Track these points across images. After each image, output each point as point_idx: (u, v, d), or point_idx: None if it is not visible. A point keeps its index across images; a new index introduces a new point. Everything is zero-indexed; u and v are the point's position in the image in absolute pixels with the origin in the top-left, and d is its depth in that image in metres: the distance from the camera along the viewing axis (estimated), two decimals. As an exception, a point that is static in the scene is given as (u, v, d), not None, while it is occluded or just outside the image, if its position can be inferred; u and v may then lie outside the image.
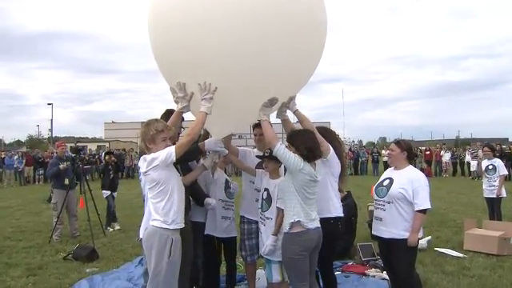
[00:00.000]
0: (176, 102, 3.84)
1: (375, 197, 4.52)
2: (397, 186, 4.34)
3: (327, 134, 4.42)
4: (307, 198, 3.83)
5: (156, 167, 3.46)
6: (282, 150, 3.79)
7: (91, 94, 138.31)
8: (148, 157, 3.51)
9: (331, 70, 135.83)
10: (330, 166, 4.27)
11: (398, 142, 4.70)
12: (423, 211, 4.24)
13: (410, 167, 4.56)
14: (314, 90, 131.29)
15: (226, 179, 5.07)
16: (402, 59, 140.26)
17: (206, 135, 4.60)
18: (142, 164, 3.57)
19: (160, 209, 3.51)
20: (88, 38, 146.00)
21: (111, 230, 9.93)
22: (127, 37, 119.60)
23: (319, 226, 3.89)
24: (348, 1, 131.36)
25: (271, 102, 3.88)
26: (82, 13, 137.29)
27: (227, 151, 4.54)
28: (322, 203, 4.09)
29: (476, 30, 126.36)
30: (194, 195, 4.76)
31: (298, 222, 3.77)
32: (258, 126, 4.74)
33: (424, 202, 4.23)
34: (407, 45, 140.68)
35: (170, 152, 3.43)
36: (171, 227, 3.50)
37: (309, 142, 3.90)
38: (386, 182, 4.47)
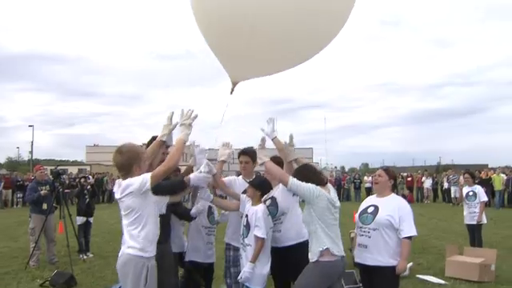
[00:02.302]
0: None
1: (360, 224, 4.49)
2: (383, 213, 4.34)
3: (255, 154, 4.59)
4: (331, 225, 3.89)
5: (130, 194, 3.37)
6: (295, 183, 3.87)
7: (72, 116, 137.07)
8: (123, 182, 3.43)
9: (313, 97, 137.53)
10: None
11: (386, 169, 4.71)
12: (409, 238, 4.25)
13: (394, 195, 4.59)
14: (295, 116, 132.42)
15: (210, 205, 5.04)
16: (383, 86, 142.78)
17: (190, 169, 4.61)
18: (117, 190, 3.48)
19: (135, 236, 3.41)
20: (70, 61, 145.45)
21: (85, 257, 9.55)
22: (109, 60, 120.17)
23: (345, 255, 3.95)
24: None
25: (263, 143, 3.99)
26: (65, 35, 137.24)
27: (212, 197, 4.61)
28: (296, 227, 4.16)
29: (454, 59, 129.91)
30: (179, 213, 4.77)
31: (327, 249, 3.81)
32: (243, 153, 4.80)
33: (411, 229, 4.25)
34: (387, 72, 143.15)
35: (144, 180, 3.33)
36: (146, 255, 3.41)
37: (312, 172, 4.08)
38: (371, 209, 4.46)
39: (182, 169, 4.80)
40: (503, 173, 23.80)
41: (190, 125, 3.59)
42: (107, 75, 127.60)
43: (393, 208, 4.33)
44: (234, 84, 4.11)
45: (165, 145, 4.09)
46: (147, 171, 3.48)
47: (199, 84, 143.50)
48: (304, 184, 3.88)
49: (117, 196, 3.49)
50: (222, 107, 4.14)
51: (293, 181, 3.87)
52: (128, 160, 3.46)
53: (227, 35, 3.82)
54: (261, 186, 4.44)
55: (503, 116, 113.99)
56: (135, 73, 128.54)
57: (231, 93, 4.16)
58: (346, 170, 75.58)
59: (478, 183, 9.84)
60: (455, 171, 27.22)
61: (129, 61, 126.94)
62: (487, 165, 49.21)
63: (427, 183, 27.21)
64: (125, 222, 3.50)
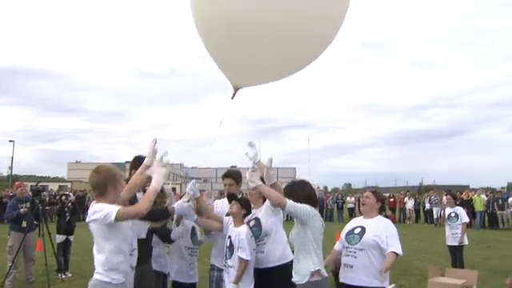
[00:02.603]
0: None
1: (346, 244, 4.49)
2: (370, 234, 4.35)
3: (240, 176, 4.66)
4: (320, 246, 3.95)
5: (95, 221, 3.29)
6: (291, 205, 3.87)
7: (55, 132, 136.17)
8: (95, 206, 3.34)
9: (297, 117, 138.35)
10: (279, 213, 4.51)
11: (374, 192, 4.73)
12: (396, 254, 4.25)
13: (381, 217, 4.61)
14: (279, 136, 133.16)
15: (193, 226, 5.02)
16: (366, 107, 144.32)
17: (166, 195, 4.65)
18: (90, 211, 3.37)
19: (101, 262, 3.33)
20: (54, 76, 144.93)
21: (63, 276, 9.34)
22: (93, 76, 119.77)
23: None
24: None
25: (254, 168, 4.04)
26: (49, 51, 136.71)
27: (196, 216, 4.56)
28: (280, 248, 4.18)
29: (437, 81, 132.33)
30: (160, 234, 4.72)
31: (318, 270, 3.84)
32: (227, 176, 4.80)
33: (398, 247, 4.27)
34: (371, 93, 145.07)
35: (110, 213, 3.22)
36: (113, 282, 3.31)
37: (307, 190, 4.09)
38: (358, 230, 4.47)
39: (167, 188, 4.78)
40: (484, 194, 24.10)
41: (163, 172, 3.63)
42: (91, 92, 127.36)
43: (380, 229, 4.35)
44: (236, 89, 4.11)
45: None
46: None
47: (183, 102, 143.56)
48: (300, 205, 3.90)
49: (87, 219, 3.38)
50: (218, 118, 4.10)
51: (289, 203, 3.87)
52: (104, 180, 3.41)
53: (227, 41, 3.83)
54: (246, 205, 4.46)
55: (484, 138, 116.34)
56: (119, 90, 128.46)
57: (232, 98, 4.16)
58: (329, 190, 75.87)
59: (459, 204, 9.94)
60: (437, 192, 27.44)
61: (113, 78, 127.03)
62: (468, 186, 49.78)
63: (409, 204, 27.37)
64: (94, 247, 3.42)
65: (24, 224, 8.63)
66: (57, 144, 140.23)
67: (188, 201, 4.41)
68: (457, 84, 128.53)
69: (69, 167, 67.90)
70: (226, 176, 4.85)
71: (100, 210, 3.26)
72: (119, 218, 3.22)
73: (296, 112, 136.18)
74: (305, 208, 3.88)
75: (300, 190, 4.11)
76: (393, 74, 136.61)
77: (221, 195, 5.58)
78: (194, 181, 4.50)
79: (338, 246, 4.68)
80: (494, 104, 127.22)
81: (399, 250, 4.27)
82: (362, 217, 4.68)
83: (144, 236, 4.18)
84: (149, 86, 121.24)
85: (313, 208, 3.96)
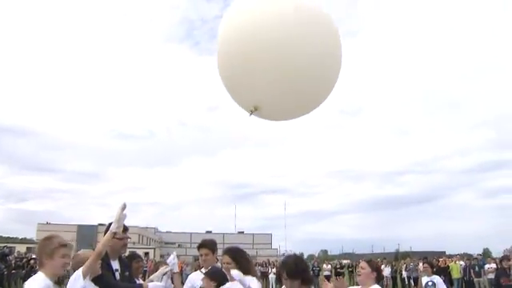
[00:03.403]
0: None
1: None
2: None
3: (238, 254, 4.43)
4: None
5: None
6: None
7: (26, 191, 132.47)
8: (73, 276, 3.34)
9: (273, 182, 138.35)
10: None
11: (369, 261, 4.66)
12: None
13: (377, 286, 4.49)
14: (255, 201, 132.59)
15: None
16: (342, 173, 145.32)
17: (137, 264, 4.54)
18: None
19: None
20: (28, 134, 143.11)
21: None
22: (69, 136, 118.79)
23: None
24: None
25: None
26: (23, 108, 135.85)
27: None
28: None
29: (412, 147, 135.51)
30: None
31: None
32: (202, 246, 4.67)
33: None
34: (347, 159, 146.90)
35: (77, 275, 3.26)
36: None
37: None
38: None
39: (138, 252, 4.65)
40: (462, 260, 24.08)
41: (119, 226, 3.62)
42: (67, 151, 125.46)
43: None
44: (256, 108, 3.83)
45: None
46: None
47: (160, 165, 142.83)
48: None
49: None
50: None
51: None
52: (39, 250, 3.29)
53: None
54: (215, 277, 4.27)
55: (459, 204, 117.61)
56: (95, 150, 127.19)
57: (250, 115, 3.89)
58: (305, 256, 74.82)
59: (436, 272, 9.86)
60: (414, 259, 27.30)
61: (90, 138, 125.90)
62: (445, 252, 49.82)
63: (386, 271, 27.03)
64: None
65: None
66: (28, 204, 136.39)
67: (165, 273, 4.28)
68: (431, 150, 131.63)
69: (38, 228, 65.66)
70: (201, 246, 4.71)
71: (69, 282, 3.29)
72: (85, 271, 3.27)
73: (272, 177, 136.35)
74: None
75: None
76: (368, 141, 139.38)
77: (195, 260, 5.36)
78: (175, 253, 4.40)
79: None
80: (468, 170, 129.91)
81: None
82: (359, 287, 4.57)
83: None
84: (125, 148, 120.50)
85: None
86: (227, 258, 4.38)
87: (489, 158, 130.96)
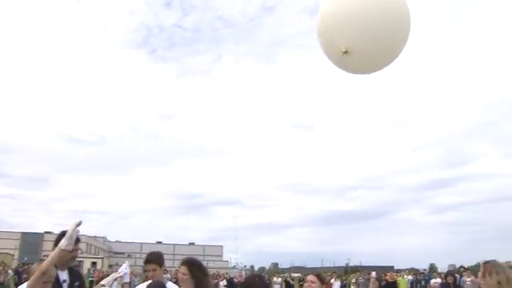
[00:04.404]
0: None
1: None
2: None
3: (195, 267, 4.37)
4: None
5: None
6: None
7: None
8: None
9: (225, 193, 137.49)
10: None
11: (318, 275, 4.66)
12: None
13: None
14: (207, 212, 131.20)
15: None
16: (294, 186, 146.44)
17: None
18: None
19: None
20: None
21: None
22: (19, 139, 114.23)
23: None
24: (245, 126, 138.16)
25: None
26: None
27: None
28: None
29: (365, 163, 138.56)
30: None
31: None
32: (148, 262, 4.57)
33: None
34: (299, 173, 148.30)
35: None
36: None
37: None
38: None
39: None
40: (409, 275, 24.69)
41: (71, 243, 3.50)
42: (12, 155, 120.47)
43: None
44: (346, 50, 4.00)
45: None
46: None
47: (111, 172, 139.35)
48: None
49: None
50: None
51: None
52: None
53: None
54: None
55: (407, 220, 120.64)
56: (43, 154, 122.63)
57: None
58: (256, 269, 74.82)
59: (384, 286, 10.03)
60: (363, 274, 27.77)
61: (38, 141, 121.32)
62: (393, 266, 50.91)
63: (336, 285, 27.31)
64: None
65: None
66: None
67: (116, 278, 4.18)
68: (383, 166, 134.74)
69: (-21, 235, 62.89)
70: (148, 262, 4.61)
71: None
72: (31, 285, 3.22)
73: (225, 189, 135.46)
74: None
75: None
76: (322, 155, 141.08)
77: (144, 271, 5.28)
78: (127, 263, 4.28)
79: None
80: (417, 187, 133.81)
81: None
82: None
83: None
84: (75, 153, 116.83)
85: None
86: (184, 269, 4.33)
87: (437, 176, 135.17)
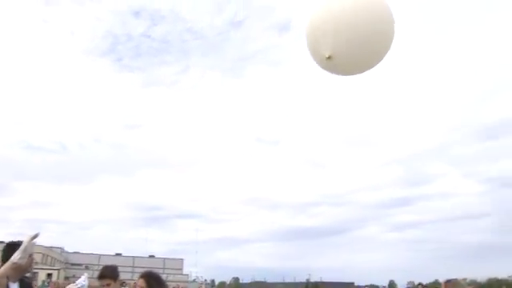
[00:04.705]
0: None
1: None
2: None
3: (153, 280, 4.31)
4: None
5: None
6: None
7: None
8: None
9: (187, 206, 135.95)
10: None
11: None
12: None
13: None
14: (167, 225, 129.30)
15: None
16: (256, 201, 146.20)
17: None
18: None
19: None
20: None
21: None
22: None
23: None
24: (209, 139, 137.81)
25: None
26: None
27: None
28: None
29: (327, 180, 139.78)
30: None
31: None
32: (102, 277, 4.50)
33: None
34: (261, 188, 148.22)
35: None
36: None
37: None
38: None
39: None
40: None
41: (24, 257, 3.35)
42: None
43: None
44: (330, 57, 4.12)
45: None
46: None
47: (70, 181, 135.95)
48: None
49: None
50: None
51: None
52: None
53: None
54: None
55: (368, 236, 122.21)
56: (0, 161, 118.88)
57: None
58: (216, 283, 74.18)
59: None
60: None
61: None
62: (353, 283, 51.38)
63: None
64: None
65: None
66: None
67: None
68: (344, 184, 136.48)
69: None
70: (102, 277, 4.51)
71: None
72: None
73: (186, 202, 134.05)
74: None
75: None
76: (284, 171, 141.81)
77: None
78: (86, 275, 4.22)
79: None
80: (378, 204, 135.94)
81: None
82: None
83: None
84: (34, 160, 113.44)
85: None
86: (141, 282, 4.27)
87: (398, 195, 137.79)
